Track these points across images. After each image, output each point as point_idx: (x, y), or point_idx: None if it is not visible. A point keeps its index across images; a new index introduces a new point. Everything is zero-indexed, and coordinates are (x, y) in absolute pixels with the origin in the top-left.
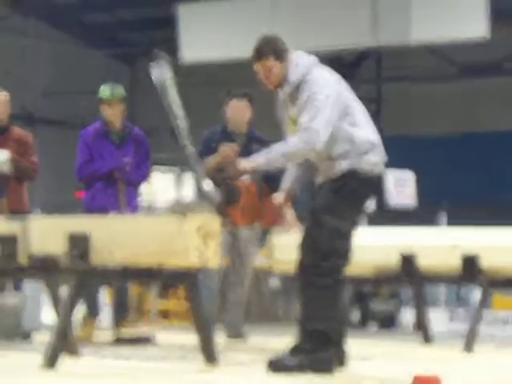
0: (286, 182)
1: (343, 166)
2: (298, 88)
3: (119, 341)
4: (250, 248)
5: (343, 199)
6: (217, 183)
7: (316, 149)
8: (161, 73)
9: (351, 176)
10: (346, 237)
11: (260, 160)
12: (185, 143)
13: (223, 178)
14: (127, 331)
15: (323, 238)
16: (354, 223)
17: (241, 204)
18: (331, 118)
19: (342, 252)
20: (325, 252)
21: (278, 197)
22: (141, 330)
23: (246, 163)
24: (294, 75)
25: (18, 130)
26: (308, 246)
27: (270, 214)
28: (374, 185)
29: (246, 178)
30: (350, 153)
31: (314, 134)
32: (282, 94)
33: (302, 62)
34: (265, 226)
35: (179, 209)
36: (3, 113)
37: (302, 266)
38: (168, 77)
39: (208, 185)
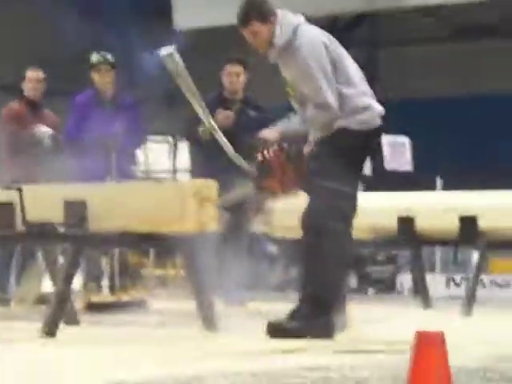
0: (284, 126)
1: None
2: (285, 51)
3: (112, 306)
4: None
5: (336, 159)
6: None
7: (337, 116)
8: (173, 62)
9: (342, 134)
10: (343, 197)
11: (281, 129)
12: (213, 126)
13: (251, 152)
14: (121, 297)
15: (320, 200)
16: (351, 184)
17: (275, 174)
18: (329, 77)
19: (342, 214)
20: (323, 214)
21: (269, 132)
22: (135, 295)
23: (270, 133)
24: (278, 39)
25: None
26: (307, 209)
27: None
28: (366, 142)
29: (273, 147)
30: (342, 111)
31: (328, 107)
32: (271, 57)
33: (286, 23)
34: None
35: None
36: (37, 90)
37: (304, 229)
38: (182, 66)
39: (245, 163)
